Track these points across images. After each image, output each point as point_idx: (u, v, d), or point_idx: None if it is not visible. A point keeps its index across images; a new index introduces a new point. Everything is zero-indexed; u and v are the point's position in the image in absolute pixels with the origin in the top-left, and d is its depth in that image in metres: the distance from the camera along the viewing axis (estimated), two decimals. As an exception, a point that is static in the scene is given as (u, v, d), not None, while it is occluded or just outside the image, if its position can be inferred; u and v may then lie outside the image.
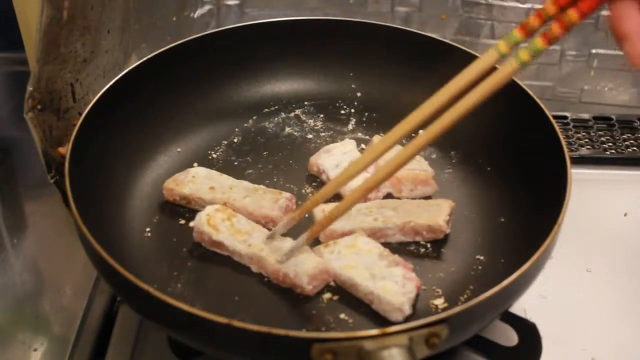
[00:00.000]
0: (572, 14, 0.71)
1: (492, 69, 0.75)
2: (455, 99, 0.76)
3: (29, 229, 1.10)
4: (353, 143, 1.06)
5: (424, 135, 0.78)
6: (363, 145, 1.09)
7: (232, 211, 0.93)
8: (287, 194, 0.97)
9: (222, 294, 0.88)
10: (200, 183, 0.98)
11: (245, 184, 0.99)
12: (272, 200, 0.96)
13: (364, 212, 0.95)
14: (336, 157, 1.03)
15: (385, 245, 0.92)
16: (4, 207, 1.13)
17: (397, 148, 0.82)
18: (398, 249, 0.93)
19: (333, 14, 1.31)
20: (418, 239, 0.94)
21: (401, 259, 0.88)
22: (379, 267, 0.86)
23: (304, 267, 0.86)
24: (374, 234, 0.93)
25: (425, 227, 0.93)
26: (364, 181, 0.80)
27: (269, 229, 0.94)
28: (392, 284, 0.85)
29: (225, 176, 1.00)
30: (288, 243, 0.89)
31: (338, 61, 1.16)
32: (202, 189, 0.97)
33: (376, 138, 1.07)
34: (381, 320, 0.84)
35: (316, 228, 0.85)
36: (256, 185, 0.99)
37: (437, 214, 0.94)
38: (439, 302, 0.87)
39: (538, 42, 0.72)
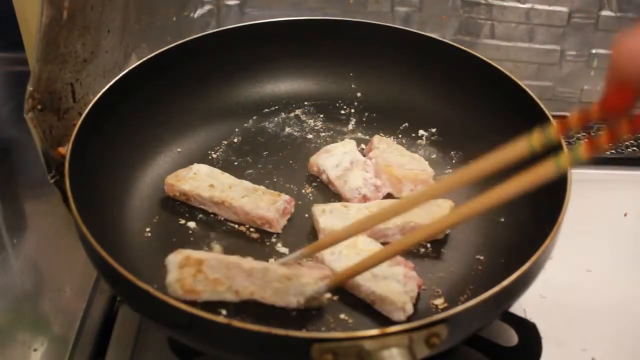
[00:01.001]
0: (624, 127, 0.66)
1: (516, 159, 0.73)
2: (478, 178, 0.76)
3: (29, 229, 1.10)
4: (353, 143, 1.06)
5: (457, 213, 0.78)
6: (363, 146, 1.09)
7: (196, 258, 0.85)
8: (286, 197, 0.97)
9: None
10: (201, 180, 0.98)
11: (246, 183, 0.99)
12: (270, 202, 0.96)
13: (364, 212, 0.95)
14: (336, 157, 1.03)
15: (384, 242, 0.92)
16: (4, 207, 1.13)
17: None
18: (398, 249, 0.93)
19: (333, 14, 1.31)
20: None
21: (402, 259, 0.88)
22: (380, 267, 0.86)
23: (308, 291, 0.84)
24: (373, 234, 0.93)
25: None
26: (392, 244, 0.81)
27: (264, 231, 0.95)
28: (394, 284, 0.85)
29: (226, 175, 1.00)
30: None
31: (338, 61, 1.16)
32: (202, 187, 0.98)
33: (376, 138, 1.07)
34: (381, 320, 0.84)
35: (337, 278, 0.83)
36: (256, 186, 0.99)
37: (437, 214, 0.94)
38: (439, 302, 0.87)
39: (580, 151, 0.69)
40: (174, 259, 0.85)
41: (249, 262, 0.85)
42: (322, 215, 0.94)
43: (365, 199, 0.99)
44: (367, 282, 0.85)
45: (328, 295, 0.85)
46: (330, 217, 0.94)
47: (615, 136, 0.67)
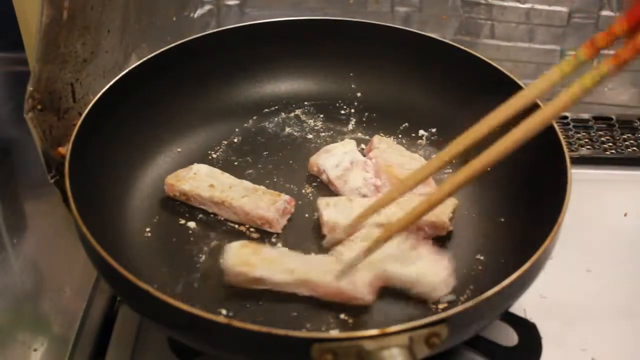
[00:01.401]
0: None
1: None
2: (511, 119, 0.76)
3: (29, 229, 1.10)
4: (353, 143, 1.06)
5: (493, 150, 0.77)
6: (363, 146, 1.09)
7: (255, 245, 0.90)
8: (286, 197, 0.97)
9: (222, 294, 0.88)
10: (201, 180, 0.98)
11: (246, 183, 0.99)
12: (270, 202, 0.96)
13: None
14: (336, 157, 1.03)
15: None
16: (4, 207, 1.13)
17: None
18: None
19: (333, 14, 1.31)
20: (421, 234, 0.94)
21: (416, 240, 0.89)
22: (404, 253, 0.87)
23: (360, 279, 0.84)
24: (377, 228, 0.93)
25: (429, 223, 0.93)
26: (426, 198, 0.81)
27: (264, 230, 0.95)
28: (427, 264, 0.86)
29: (226, 175, 1.00)
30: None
31: (338, 61, 1.16)
32: (202, 187, 0.98)
33: (376, 138, 1.07)
34: (381, 320, 0.84)
35: (374, 245, 0.83)
36: (256, 186, 0.99)
37: (441, 211, 0.94)
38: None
39: (604, 66, 0.70)
40: (235, 244, 0.88)
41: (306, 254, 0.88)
42: (326, 209, 0.95)
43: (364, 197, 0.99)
44: (400, 270, 0.86)
45: None
46: (335, 211, 0.94)
47: (637, 47, 0.67)
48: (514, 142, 0.75)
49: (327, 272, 0.85)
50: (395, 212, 0.93)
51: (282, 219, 0.96)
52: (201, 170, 1.00)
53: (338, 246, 0.89)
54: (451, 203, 0.95)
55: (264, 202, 0.96)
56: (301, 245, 0.93)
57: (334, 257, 0.87)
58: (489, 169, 0.78)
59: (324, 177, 1.03)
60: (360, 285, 0.84)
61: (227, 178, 1.00)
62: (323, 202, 0.95)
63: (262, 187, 0.99)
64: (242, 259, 0.86)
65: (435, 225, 0.93)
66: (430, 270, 0.86)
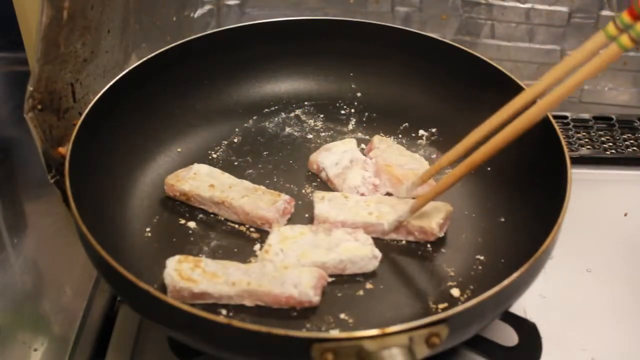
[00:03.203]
0: None
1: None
2: (566, 74, 0.80)
3: (29, 229, 1.10)
4: (353, 142, 1.06)
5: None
6: (363, 145, 1.09)
7: (193, 258, 0.88)
8: (286, 197, 0.97)
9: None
10: (201, 180, 0.98)
11: (246, 183, 0.99)
12: (270, 202, 0.96)
13: (362, 205, 0.95)
14: (336, 155, 1.03)
15: (384, 241, 0.93)
16: (4, 207, 1.13)
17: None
18: (399, 247, 0.94)
19: (333, 14, 1.31)
20: (410, 238, 0.94)
21: (326, 225, 0.92)
22: (324, 240, 0.90)
23: (304, 282, 0.85)
24: (366, 227, 0.93)
25: (418, 228, 0.93)
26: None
27: (264, 230, 0.95)
28: (350, 244, 0.89)
29: (227, 175, 1.00)
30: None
31: (338, 61, 1.16)
32: (202, 187, 0.98)
33: (376, 138, 1.07)
34: (381, 320, 0.84)
35: (421, 200, 0.90)
36: (256, 186, 0.99)
37: (432, 217, 0.94)
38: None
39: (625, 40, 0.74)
40: (173, 258, 0.87)
41: (245, 264, 0.87)
42: (320, 202, 0.95)
43: (363, 196, 0.99)
44: (328, 256, 0.88)
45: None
46: (328, 205, 0.95)
47: None
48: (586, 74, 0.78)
49: (269, 281, 0.85)
50: (389, 212, 0.94)
51: (282, 219, 0.96)
52: (201, 170, 1.00)
53: (277, 251, 0.89)
54: (444, 209, 0.95)
55: (264, 202, 0.96)
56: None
57: (274, 265, 0.87)
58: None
59: (323, 175, 1.03)
60: (305, 288, 0.84)
61: (227, 178, 1.00)
62: (319, 195, 0.96)
63: (262, 187, 0.99)
64: (183, 274, 0.85)
65: (423, 230, 0.93)
66: (354, 246, 0.89)
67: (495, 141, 0.83)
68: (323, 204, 0.95)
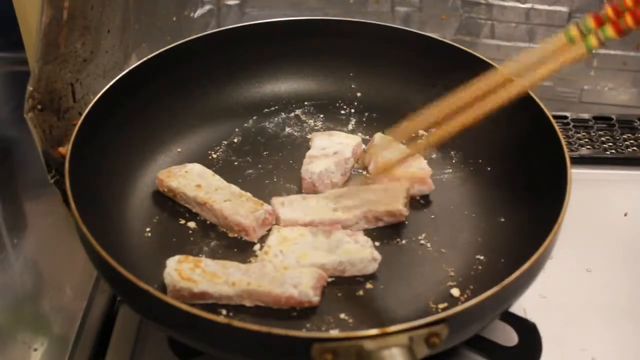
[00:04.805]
0: None
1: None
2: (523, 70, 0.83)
3: (29, 229, 1.10)
4: (358, 139, 1.07)
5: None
6: (363, 146, 1.09)
7: (193, 258, 0.88)
8: (269, 207, 0.95)
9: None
10: (190, 179, 0.98)
11: (234, 188, 0.98)
12: (250, 210, 0.94)
13: (322, 203, 0.96)
14: (329, 142, 1.04)
15: (384, 241, 0.93)
16: (4, 207, 1.13)
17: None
18: (399, 247, 0.94)
19: (333, 14, 1.31)
20: (380, 224, 0.95)
21: (327, 227, 0.92)
22: (323, 242, 0.90)
23: (304, 282, 0.85)
24: (334, 225, 0.93)
25: (385, 213, 0.95)
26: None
27: (241, 238, 0.94)
28: (350, 246, 0.89)
29: (217, 177, 1.00)
30: None
31: (338, 61, 1.16)
32: (189, 186, 0.97)
33: (377, 136, 1.07)
34: (381, 320, 0.84)
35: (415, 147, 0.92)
36: (243, 192, 0.97)
37: (394, 199, 0.95)
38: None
39: (609, 30, 0.75)
40: (173, 258, 0.87)
41: (245, 265, 0.87)
42: (281, 207, 0.96)
43: (313, 186, 0.99)
44: (328, 258, 0.88)
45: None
46: (290, 209, 0.95)
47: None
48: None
49: (269, 281, 0.84)
50: (351, 204, 0.95)
51: (259, 229, 0.94)
52: (194, 169, 1.00)
53: (276, 252, 0.89)
54: (403, 189, 0.97)
55: (244, 209, 0.94)
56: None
57: (272, 265, 0.87)
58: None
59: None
60: (305, 288, 0.84)
61: (216, 180, 0.99)
62: (278, 201, 0.97)
63: (248, 194, 0.97)
64: (183, 274, 0.85)
65: (391, 214, 0.95)
66: (354, 248, 0.89)
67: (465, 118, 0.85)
68: (285, 208, 0.95)
